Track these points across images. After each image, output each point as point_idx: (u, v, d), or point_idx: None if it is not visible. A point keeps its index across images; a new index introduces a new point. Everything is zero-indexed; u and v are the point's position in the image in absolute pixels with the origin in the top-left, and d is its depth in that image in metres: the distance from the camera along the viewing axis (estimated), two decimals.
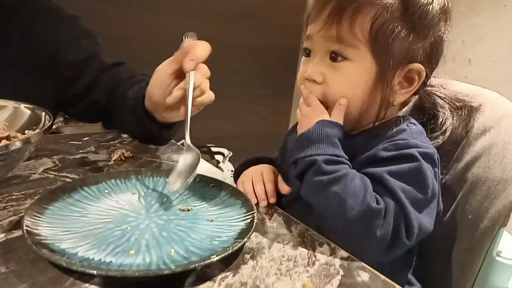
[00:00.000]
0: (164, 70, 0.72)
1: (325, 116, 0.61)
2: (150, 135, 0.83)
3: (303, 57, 0.67)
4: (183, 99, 0.70)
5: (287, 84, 2.18)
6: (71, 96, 0.92)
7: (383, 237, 0.54)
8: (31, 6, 0.87)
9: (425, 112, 0.68)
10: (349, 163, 0.59)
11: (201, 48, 0.70)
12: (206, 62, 0.71)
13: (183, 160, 0.63)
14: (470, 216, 0.67)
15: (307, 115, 0.63)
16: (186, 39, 0.73)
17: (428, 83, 0.67)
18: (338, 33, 0.60)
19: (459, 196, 0.69)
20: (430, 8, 0.61)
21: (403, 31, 0.59)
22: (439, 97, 0.69)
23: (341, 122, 0.62)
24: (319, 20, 0.62)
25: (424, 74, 0.63)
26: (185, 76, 0.69)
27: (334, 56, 0.61)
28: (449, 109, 0.68)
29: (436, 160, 0.61)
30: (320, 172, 0.57)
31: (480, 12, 1.51)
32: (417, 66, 0.62)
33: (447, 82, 0.73)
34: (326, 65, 0.62)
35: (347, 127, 0.64)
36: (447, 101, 0.69)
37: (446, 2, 0.64)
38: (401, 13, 0.60)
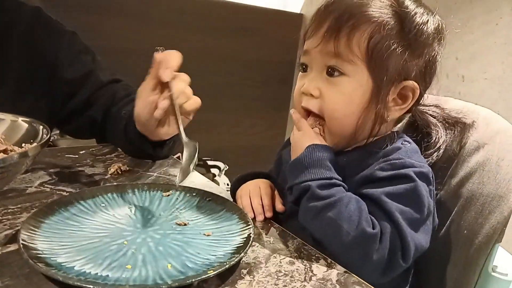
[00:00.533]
0: (144, 89, 0.73)
1: (316, 140, 0.63)
2: (144, 154, 0.83)
3: (300, 72, 0.68)
4: (170, 113, 0.71)
5: (283, 98, 2.19)
6: (68, 112, 0.92)
7: (380, 260, 0.55)
8: (30, 23, 0.87)
9: (419, 130, 0.69)
10: (344, 184, 0.60)
11: (173, 57, 0.71)
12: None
13: (185, 156, 0.64)
14: (465, 232, 0.67)
15: (299, 140, 0.64)
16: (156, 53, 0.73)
17: (421, 100, 0.68)
18: (335, 48, 0.61)
19: (454, 211, 0.70)
20: (425, 28, 0.62)
21: (399, 48, 0.61)
22: (432, 116, 0.70)
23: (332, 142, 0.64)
24: (317, 35, 0.63)
25: (418, 91, 0.64)
26: (165, 88, 0.70)
27: (331, 71, 0.62)
28: (442, 128, 0.69)
29: (431, 178, 0.62)
30: (314, 198, 0.58)
31: (473, 30, 1.54)
32: (412, 83, 0.63)
33: (440, 99, 0.74)
34: (322, 80, 0.63)
35: (341, 144, 0.65)
36: (440, 119, 0.70)
37: (440, 23, 0.65)
38: (397, 31, 0.61)
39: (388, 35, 0.60)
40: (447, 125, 0.70)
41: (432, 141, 0.67)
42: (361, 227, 0.55)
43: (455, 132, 0.70)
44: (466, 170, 0.70)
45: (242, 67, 2.08)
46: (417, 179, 0.58)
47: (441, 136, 0.68)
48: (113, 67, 0.98)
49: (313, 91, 0.64)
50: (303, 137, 0.63)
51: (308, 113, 0.66)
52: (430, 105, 0.72)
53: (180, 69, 0.73)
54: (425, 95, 0.68)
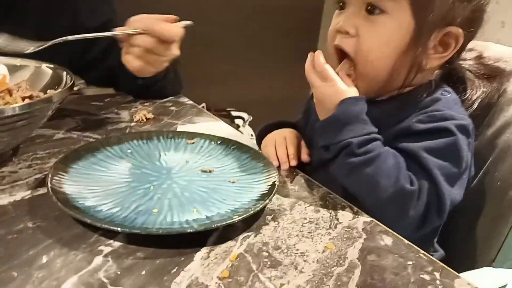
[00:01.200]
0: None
1: (349, 92, 0.58)
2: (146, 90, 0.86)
3: (336, 10, 0.64)
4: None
5: (309, 47, 2.12)
6: (87, 61, 0.92)
7: (415, 216, 0.54)
8: None
9: (454, 83, 0.65)
10: (380, 138, 0.57)
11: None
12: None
13: None
14: (498, 183, 0.65)
15: (327, 92, 0.58)
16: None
17: (463, 52, 0.64)
18: None
19: (488, 162, 0.67)
20: None
21: None
22: (470, 70, 0.67)
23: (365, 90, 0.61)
24: None
25: (461, 39, 0.60)
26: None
27: (371, 9, 0.58)
28: (479, 82, 0.66)
29: (471, 130, 0.59)
30: (353, 155, 0.55)
31: None
32: (456, 29, 0.59)
33: (479, 44, 0.69)
34: (361, 17, 0.59)
35: (373, 90, 0.62)
36: (478, 74, 0.66)
37: None
38: None
39: None
40: (484, 77, 0.66)
41: (466, 96, 0.64)
42: (399, 184, 0.53)
43: (493, 82, 0.66)
44: (504, 120, 0.67)
45: (264, 15, 2.01)
46: (457, 132, 0.56)
47: (476, 93, 0.64)
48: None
49: (350, 28, 0.59)
50: (333, 88, 0.58)
51: (339, 54, 0.62)
52: (468, 59, 0.67)
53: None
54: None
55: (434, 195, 0.55)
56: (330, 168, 0.59)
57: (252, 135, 1.80)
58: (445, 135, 0.56)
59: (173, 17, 0.77)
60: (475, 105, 0.64)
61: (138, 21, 0.75)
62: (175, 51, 0.78)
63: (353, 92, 0.59)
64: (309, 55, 0.60)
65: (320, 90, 0.59)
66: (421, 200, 0.54)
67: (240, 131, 1.82)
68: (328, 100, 0.58)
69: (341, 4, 0.63)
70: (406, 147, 0.57)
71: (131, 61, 0.77)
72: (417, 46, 0.58)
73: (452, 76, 0.66)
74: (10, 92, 0.59)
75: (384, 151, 0.55)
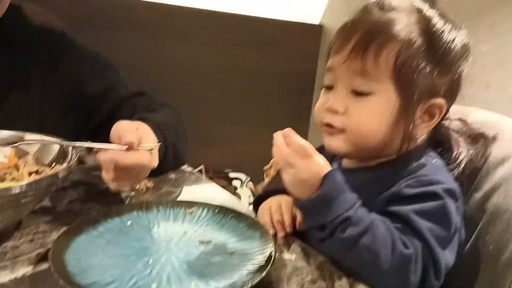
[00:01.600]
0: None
1: (327, 164, 0.57)
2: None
3: (323, 90, 0.67)
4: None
5: (304, 108, 2.19)
6: (92, 126, 0.95)
7: (415, 282, 0.54)
8: (54, 44, 0.91)
9: (440, 144, 0.69)
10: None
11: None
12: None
13: None
14: (491, 248, 0.66)
15: (310, 170, 0.56)
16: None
17: (446, 116, 0.68)
18: (362, 66, 0.60)
19: (479, 226, 0.68)
20: (453, 46, 0.62)
21: (427, 66, 0.60)
22: (454, 130, 0.70)
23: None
24: (342, 52, 0.62)
25: (445, 108, 0.64)
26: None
27: (358, 92, 0.62)
28: (464, 143, 0.69)
29: (458, 194, 0.61)
30: (350, 227, 0.54)
31: (498, 36, 1.52)
32: (439, 101, 0.63)
33: (463, 110, 0.73)
34: (349, 97, 0.62)
35: (365, 159, 0.65)
36: (462, 134, 0.70)
37: (466, 40, 0.65)
38: (425, 49, 0.61)
39: (416, 53, 0.60)
40: (469, 140, 0.69)
41: (452, 156, 0.67)
42: (397, 250, 0.53)
43: (478, 146, 0.69)
44: (491, 184, 0.69)
45: (263, 79, 2.10)
46: (445, 196, 0.58)
47: (462, 152, 0.67)
48: (136, 84, 1.01)
49: (339, 107, 0.62)
50: (315, 164, 0.56)
51: (328, 129, 0.65)
52: (452, 119, 0.71)
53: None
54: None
55: (429, 258, 0.55)
56: (325, 248, 0.57)
57: (250, 196, 1.82)
58: (434, 199, 0.58)
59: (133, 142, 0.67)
60: (461, 166, 0.66)
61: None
62: (147, 169, 0.70)
63: (326, 162, 0.58)
64: (276, 136, 0.58)
65: (304, 169, 0.56)
66: (418, 263, 0.54)
67: (238, 193, 1.84)
68: (313, 178, 0.56)
69: (328, 87, 0.66)
70: (397, 210, 0.58)
71: (105, 176, 0.68)
72: (405, 120, 0.62)
73: (438, 136, 0.69)
74: (17, 167, 0.62)
75: (373, 218, 0.56)
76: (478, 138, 0.70)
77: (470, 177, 0.70)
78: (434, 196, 0.58)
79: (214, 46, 1.92)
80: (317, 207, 0.56)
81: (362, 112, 0.62)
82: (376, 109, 0.61)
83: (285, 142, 0.57)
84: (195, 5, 1.85)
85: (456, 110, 0.71)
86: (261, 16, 2.04)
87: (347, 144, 0.64)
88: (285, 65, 2.14)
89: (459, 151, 0.67)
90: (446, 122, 0.70)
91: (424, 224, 0.56)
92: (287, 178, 0.57)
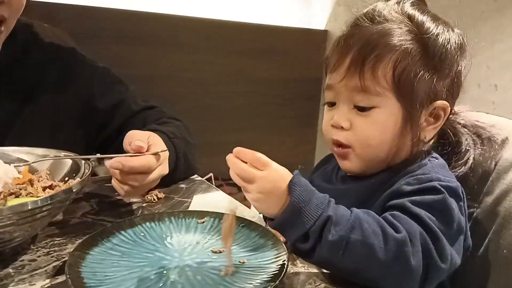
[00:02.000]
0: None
1: (285, 170, 0.57)
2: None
3: (326, 106, 0.68)
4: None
5: (311, 114, 2.20)
6: (102, 140, 0.97)
7: (418, 265, 0.52)
8: (65, 60, 0.93)
9: (448, 141, 0.68)
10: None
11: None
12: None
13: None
14: (504, 252, 0.66)
15: (273, 179, 0.55)
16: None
17: (452, 113, 0.68)
18: (361, 83, 0.61)
19: (492, 230, 0.68)
20: (448, 47, 0.63)
21: (425, 73, 0.61)
22: (461, 124, 0.70)
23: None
24: (340, 70, 0.63)
25: (449, 109, 0.64)
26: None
27: (360, 108, 0.62)
28: (472, 138, 0.68)
29: (461, 194, 0.60)
30: (336, 225, 0.53)
31: (504, 38, 1.51)
32: (442, 103, 0.63)
33: (472, 115, 0.74)
34: (352, 113, 0.63)
35: (371, 168, 0.65)
36: (470, 129, 0.69)
37: (460, 37, 0.65)
38: (421, 56, 0.61)
39: (412, 62, 0.61)
40: (477, 139, 0.69)
41: (461, 150, 0.66)
42: (390, 236, 0.51)
43: (486, 146, 0.69)
44: (503, 188, 0.69)
45: (270, 87, 2.12)
46: (445, 191, 0.57)
47: (470, 147, 0.67)
48: (145, 94, 1.03)
49: (344, 123, 0.63)
50: (276, 173, 0.56)
51: (338, 145, 0.66)
52: (460, 112, 0.71)
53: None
54: (457, 107, 0.68)
55: (428, 239, 0.53)
56: (317, 257, 0.55)
57: None
58: (433, 193, 0.57)
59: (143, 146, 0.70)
60: (469, 163, 0.66)
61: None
62: (158, 173, 0.73)
63: (284, 168, 0.57)
64: (228, 157, 0.58)
65: (266, 179, 0.55)
66: (415, 246, 0.52)
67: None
68: (277, 187, 0.55)
69: (330, 104, 0.67)
70: (393, 203, 0.58)
71: (115, 184, 0.71)
72: (411, 126, 0.62)
73: (445, 135, 0.68)
74: (31, 182, 0.63)
75: (355, 211, 0.55)
76: (486, 139, 0.70)
77: (481, 181, 0.70)
78: (433, 190, 0.57)
79: (221, 55, 1.94)
80: (293, 216, 0.54)
81: (366, 126, 0.62)
82: (380, 121, 0.62)
83: (239, 158, 0.57)
84: (200, 15, 1.87)
85: (465, 115, 0.71)
86: (266, 23, 2.06)
87: (360, 161, 0.65)
88: (292, 71, 2.16)
89: (467, 143, 0.67)
90: (452, 116, 0.69)
91: (421, 211, 0.54)
92: (252, 196, 0.56)
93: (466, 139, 0.68)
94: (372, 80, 0.61)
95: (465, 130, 0.69)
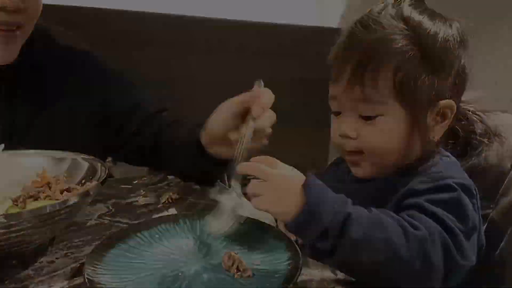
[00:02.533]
0: (230, 108, 0.75)
1: (296, 171, 0.57)
2: (201, 173, 0.85)
3: (333, 115, 0.67)
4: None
5: (324, 115, 2.19)
6: (119, 143, 0.98)
7: (439, 263, 0.51)
8: (81, 64, 0.95)
9: (459, 132, 0.67)
10: None
11: (268, 96, 0.73)
12: None
13: (225, 202, 0.64)
14: None
15: (286, 175, 0.57)
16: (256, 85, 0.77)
17: (460, 104, 0.66)
18: (363, 94, 0.60)
19: (509, 231, 0.67)
20: (448, 44, 0.61)
21: (426, 75, 0.60)
22: (472, 112, 0.68)
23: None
24: (341, 81, 0.62)
25: (455, 107, 0.63)
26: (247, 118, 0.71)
27: (365, 117, 0.62)
28: (485, 127, 0.67)
29: (474, 191, 0.60)
30: (356, 223, 0.51)
31: (501, 35, 1.49)
32: (447, 102, 0.62)
33: (490, 116, 0.72)
34: (359, 122, 0.63)
35: (387, 171, 0.65)
36: (482, 123, 0.68)
37: (459, 31, 0.63)
38: (420, 59, 0.60)
39: (412, 67, 0.60)
40: (489, 133, 0.67)
41: (472, 138, 0.66)
42: (410, 234, 0.51)
43: (501, 141, 0.68)
44: None
45: (281, 87, 2.10)
46: (459, 189, 0.57)
47: (483, 135, 0.66)
48: (160, 96, 1.04)
49: (351, 133, 0.63)
50: (285, 170, 0.57)
51: (348, 152, 0.65)
52: (470, 99, 0.69)
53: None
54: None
55: (446, 236, 0.52)
56: (337, 258, 0.53)
57: None
58: (447, 191, 0.57)
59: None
60: (481, 155, 0.65)
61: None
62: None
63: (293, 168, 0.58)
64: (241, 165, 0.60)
65: (278, 176, 0.56)
66: (436, 243, 0.51)
67: None
68: (291, 184, 0.55)
69: (335, 112, 0.66)
70: (408, 202, 0.57)
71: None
72: (418, 129, 0.62)
73: (455, 125, 0.67)
74: (49, 185, 0.64)
75: (373, 209, 0.54)
76: (501, 137, 0.68)
77: (497, 181, 0.70)
78: (447, 188, 0.57)
79: (231, 57, 1.94)
80: (310, 214, 0.52)
81: (373, 135, 0.62)
82: (387, 129, 0.61)
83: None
84: (211, 15, 1.88)
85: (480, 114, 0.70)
86: (278, 22, 2.05)
87: (371, 167, 0.65)
88: (304, 71, 2.15)
89: (479, 137, 0.66)
90: (463, 105, 0.68)
91: (438, 209, 0.54)
92: (264, 198, 0.55)
93: (479, 128, 0.67)
94: (374, 90, 0.60)
95: (476, 116, 0.68)
